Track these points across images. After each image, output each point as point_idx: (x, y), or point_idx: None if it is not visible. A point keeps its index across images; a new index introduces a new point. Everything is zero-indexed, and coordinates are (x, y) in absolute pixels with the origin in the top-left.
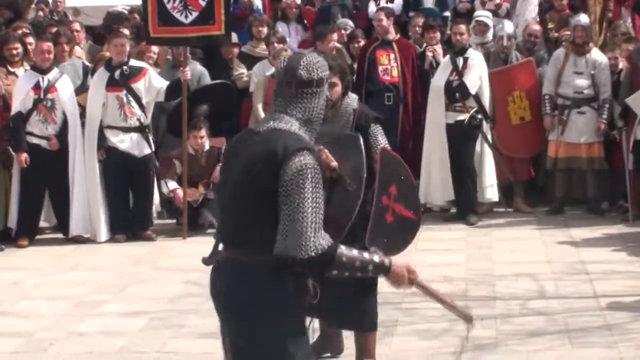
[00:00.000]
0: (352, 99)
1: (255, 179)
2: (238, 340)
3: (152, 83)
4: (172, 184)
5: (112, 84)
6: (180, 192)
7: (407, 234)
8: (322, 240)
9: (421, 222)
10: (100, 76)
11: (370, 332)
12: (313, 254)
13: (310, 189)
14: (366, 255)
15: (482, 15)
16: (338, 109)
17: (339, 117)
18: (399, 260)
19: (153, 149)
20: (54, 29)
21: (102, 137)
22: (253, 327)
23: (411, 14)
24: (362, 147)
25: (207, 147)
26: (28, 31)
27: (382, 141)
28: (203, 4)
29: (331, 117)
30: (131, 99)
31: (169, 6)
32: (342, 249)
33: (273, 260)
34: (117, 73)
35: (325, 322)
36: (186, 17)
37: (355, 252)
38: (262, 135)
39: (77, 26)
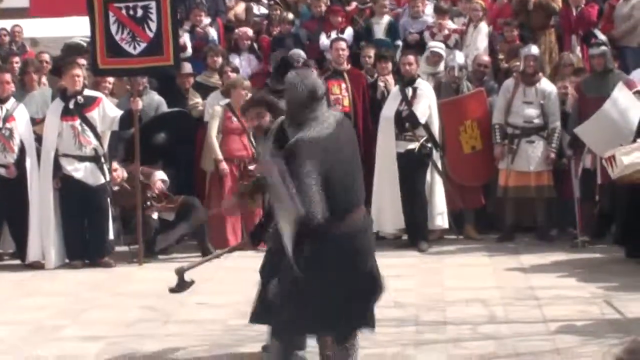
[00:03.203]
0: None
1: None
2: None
3: (106, 112)
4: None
5: (66, 114)
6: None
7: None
8: None
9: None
10: (55, 106)
11: None
12: None
13: None
14: None
15: (436, 46)
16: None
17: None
18: None
19: (108, 178)
20: (16, 58)
21: (57, 166)
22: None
23: (362, 43)
24: None
25: (124, 176)
26: None
27: None
28: (151, 35)
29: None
30: (86, 128)
31: (117, 37)
32: None
33: None
34: (71, 103)
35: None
36: (134, 48)
37: None
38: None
39: (46, 57)
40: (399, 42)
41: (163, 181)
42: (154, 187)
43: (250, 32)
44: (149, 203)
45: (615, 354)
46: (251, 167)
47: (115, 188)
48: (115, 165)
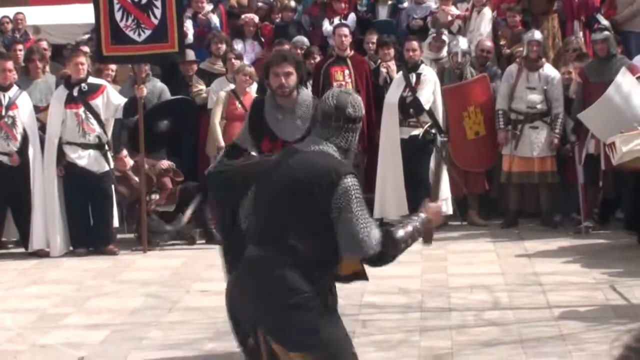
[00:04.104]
0: (307, 93)
1: (310, 191)
2: (278, 332)
3: (110, 100)
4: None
5: (70, 101)
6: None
7: None
8: (377, 235)
9: None
10: (59, 94)
11: None
12: (377, 248)
13: (358, 201)
14: (410, 228)
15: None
16: (294, 98)
17: (297, 106)
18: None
19: (112, 166)
20: (19, 46)
21: (60, 154)
22: (294, 318)
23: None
24: None
25: (131, 163)
26: None
27: None
28: (156, 22)
29: (289, 106)
30: (90, 115)
31: (121, 25)
32: (393, 230)
33: (306, 260)
34: (75, 90)
35: None
36: (139, 35)
37: (404, 232)
38: (314, 155)
39: (44, 44)
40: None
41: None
42: (160, 165)
43: (256, 18)
44: (151, 197)
45: (624, 342)
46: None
47: (117, 174)
48: (125, 152)
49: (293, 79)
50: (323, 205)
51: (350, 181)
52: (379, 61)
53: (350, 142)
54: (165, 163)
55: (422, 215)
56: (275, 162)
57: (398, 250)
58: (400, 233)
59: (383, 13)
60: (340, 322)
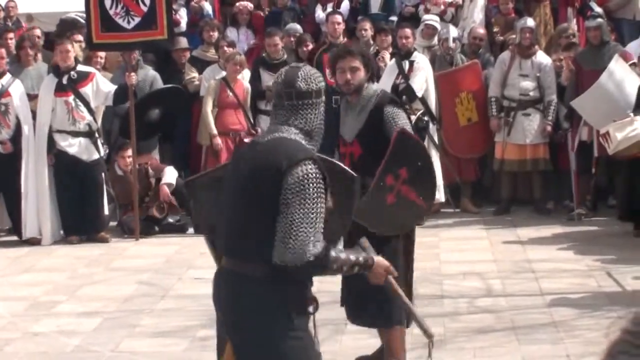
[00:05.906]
0: (373, 88)
1: (259, 188)
2: (242, 349)
3: (100, 87)
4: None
5: (60, 89)
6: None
7: (411, 219)
8: (318, 247)
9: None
10: (49, 82)
11: (390, 329)
12: (306, 260)
13: (311, 198)
14: (352, 258)
15: (431, 19)
16: (360, 94)
17: (360, 101)
18: (382, 260)
19: (102, 154)
20: (10, 34)
21: (51, 142)
22: (256, 336)
23: (360, 17)
24: (358, 191)
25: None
26: None
27: (400, 122)
28: (145, 9)
29: (353, 102)
30: (80, 103)
31: (111, 12)
32: (333, 255)
33: (274, 270)
34: (64, 78)
35: (350, 320)
36: (128, 22)
37: (343, 257)
38: (266, 145)
39: (37, 32)
40: (394, 18)
41: (169, 185)
42: (160, 195)
43: (250, 6)
44: (145, 200)
45: (622, 326)
46: (246, 140)
47: (119, 173)
48: (129, 151)
49: (360, 74)
50: (275, 201)
51: (305, 170)
52: (376, 49)
53: (311, 122)
54: (166, 194)
55: (370, 260)
56: (235, 160)
57: (326, 274)
58: (340, 259)
59: (375, 5)
60: (309, 340)
